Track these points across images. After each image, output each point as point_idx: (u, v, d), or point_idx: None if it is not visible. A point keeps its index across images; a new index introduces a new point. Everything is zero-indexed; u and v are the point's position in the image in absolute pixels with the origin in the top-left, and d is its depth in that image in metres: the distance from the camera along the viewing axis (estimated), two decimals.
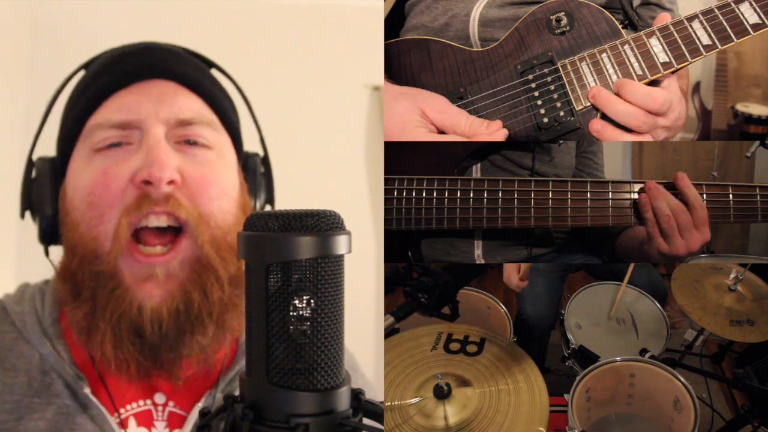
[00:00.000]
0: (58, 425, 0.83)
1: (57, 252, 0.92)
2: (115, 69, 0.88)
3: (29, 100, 1.98)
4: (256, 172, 0.98)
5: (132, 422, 0.87)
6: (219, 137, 0.91)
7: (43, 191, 0.89)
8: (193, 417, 0.88)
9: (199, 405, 0.88)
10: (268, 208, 1.00)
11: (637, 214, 1.01)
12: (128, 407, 0.87)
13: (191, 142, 0.87)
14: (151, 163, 0.82)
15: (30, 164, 0.92)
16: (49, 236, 0.90)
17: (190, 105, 0.88)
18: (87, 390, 0.85)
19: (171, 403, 0.89)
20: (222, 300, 0.86)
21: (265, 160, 1.01)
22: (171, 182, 0.82)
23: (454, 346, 1.31)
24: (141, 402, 0.88)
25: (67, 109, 0.91)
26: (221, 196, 0.87)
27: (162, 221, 0.83)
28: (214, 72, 0.97)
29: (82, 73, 0.93)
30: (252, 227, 0.56)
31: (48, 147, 0.94)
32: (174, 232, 0.84)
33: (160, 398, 0.89)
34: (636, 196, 1.01)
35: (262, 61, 2.17)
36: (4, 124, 1.92)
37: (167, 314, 0.83)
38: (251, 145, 1.02)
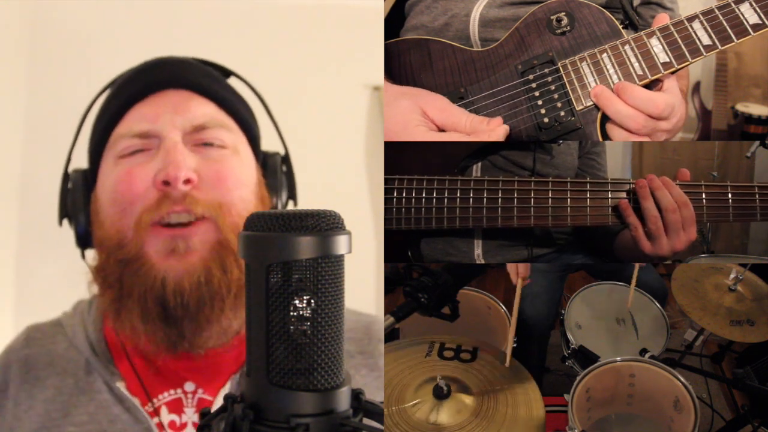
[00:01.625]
0: (98, 417, 0.91)
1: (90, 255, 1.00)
2: (133, 84, 0.96)
3: (28, 108, 1.98)
4: (276, 170, 1.03)
5: (164, 410, 0.94)
6: (234, 137, 0.97)
7: (77, 200, 0.98)
8: (220, 401, 0.94)
9: (225, 388, 0.95)
10: (290, 204, 1.05)
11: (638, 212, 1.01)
12: (160, 397, 0.94)
13: (207, 144, 0.94)
14: (168, 164, 0.89)
15: (66, 176, 1.00)
16: (84, 241, 0.98)
17: (203, 110, 0.95)
18: (119, 384, 0.93)
19: (200, 390, 0.96)
20: (240, 279, 0.91)
21: (286, 159, 1.07)
22: (188, 181, 0.89)
23: (448, 353, 1.31)
24: (172, 391, 0.95)
25: (95, 123, 1.00)
26: (240, 187, 0.94)
27: (182, 218, 0.89)
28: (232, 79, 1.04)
29: (108, 91, 1.01)
30: (252, 227, 0.56)
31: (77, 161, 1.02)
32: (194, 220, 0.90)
33: (189, 386, 0.95)
34: (635, 197, 1.01)
35: (262, 61, 2.17)
36: (4, 134, 1.92)
37: (188, 287, 0.88)
38: (274, 145, 1.06)
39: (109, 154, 0.95)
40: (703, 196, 1.00)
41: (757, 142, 1.64)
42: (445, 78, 1.07)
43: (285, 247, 0.54)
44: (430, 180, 1.08)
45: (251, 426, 0.54)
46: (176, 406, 0.94)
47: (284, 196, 1.04)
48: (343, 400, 0.56)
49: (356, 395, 0.58)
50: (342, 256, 0.56)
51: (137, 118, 0.93)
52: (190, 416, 0.94)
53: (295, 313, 0.54)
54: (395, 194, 1.08)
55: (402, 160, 1.10)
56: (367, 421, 0.58)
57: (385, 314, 0.99)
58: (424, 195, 1.07)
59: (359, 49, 1.97)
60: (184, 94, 0.94)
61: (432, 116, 1.02)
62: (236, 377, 0.96)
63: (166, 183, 0.88)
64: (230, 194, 0.92)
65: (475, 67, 1.07)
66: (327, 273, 0.55)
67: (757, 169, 2.09)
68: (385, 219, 1.09)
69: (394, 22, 1.20)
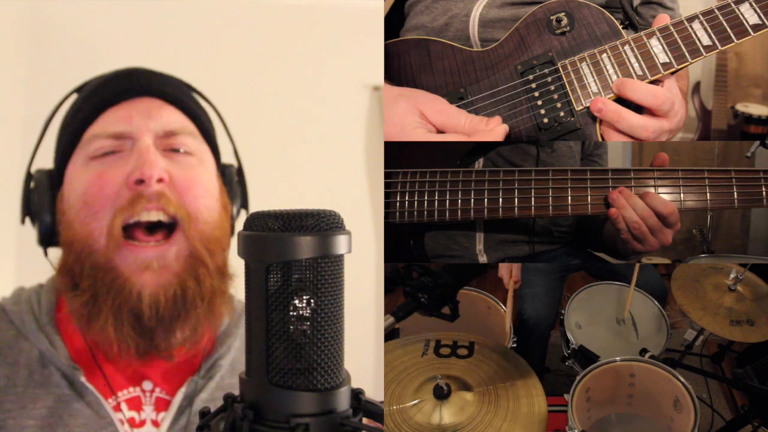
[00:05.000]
0: (58, 411, 0.92)
1: (54, 254, 1.00)
2: (108, 88, 0.99)
3: (28, 110, 1.98)
4: (232, 181, 1.08)
5: (123, 407, 0.95)
6: (199, 145, 1.01)
7: (43, 199, 0.99)
8: (177, 401, 0.97)
9: (182, 390, 0.97)
10: (243, 212, 1.10)
11: None
12: (119, 394, 0.96)
13: (175, 150, 0.97)
14: (142, 163, 0.92)
15: (29, 176, 1.02)
16: (47, 239, 1.00)
17: (174, 118, 0.99)
18: (83, 378, 0.93)
19: (158, 389, 0.98)
20: (212, 287, 0.95)
21: (240, 171, 1.11)
22: (160, 180, 0.92)
23: (445, 350, 1.31)
24: (131, 389, 0.97)
25: (64, 124, 1.02)
26: (205, 195, 0.98)
27: (153, 216, 0.91)
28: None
29: (74, 95, 1.03)
30: (252, 227, 0.56)
31: (42, 161, 1.03)
32: (166, 229, 0.93)
33: (147, 385, 0.98)
34: (636, 186, 1.01)
35: (262, 61, 2.17)
36: (4, 132, 1.92)
37: (164, 299, 0.91)
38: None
39: (80, 155, 0.97)
40: (707, 182, 1.00)
41: (757, 142, 1.63)
42: (444, 78, 1.08)
43: (285, 247, 0.54)
44: (432, 173, 1.08)
45: (251, 426, 0.54)
46: (136, 404, 0.96)
47: (238, 204, 1.09)
48: (342, 400, 0.56)
49: (356, 395, 0.58)
50: (342, 256, 0.56)
51: (112, 120, 0.96)
52: (149, 414, 0.96)
53: (294, 313, 0.55)
54: (399, 187, 1.09)
55: (404, 157, 1.10)
56: (366, 421, 0.58)
57: (385, 314, 0.99)
58: (426, 188, 1.08)
59: (359, 49, 1.97)
60: (156, 102, 0.99)
61: (430, 118, 1.02)
62: (194, 379, 0.98)
63: (140, 182, 0.91)
64: (197, 202, 0.95)
65: (474, 68, 1.07)
66: (327, 273, 0.55)
67: None
68: (388, 212, 1.09)
69: (394, 22, 1.20)
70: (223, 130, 1.10)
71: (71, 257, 0.94)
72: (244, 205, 1.10)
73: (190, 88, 1.07)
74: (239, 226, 1.06)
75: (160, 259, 0.92)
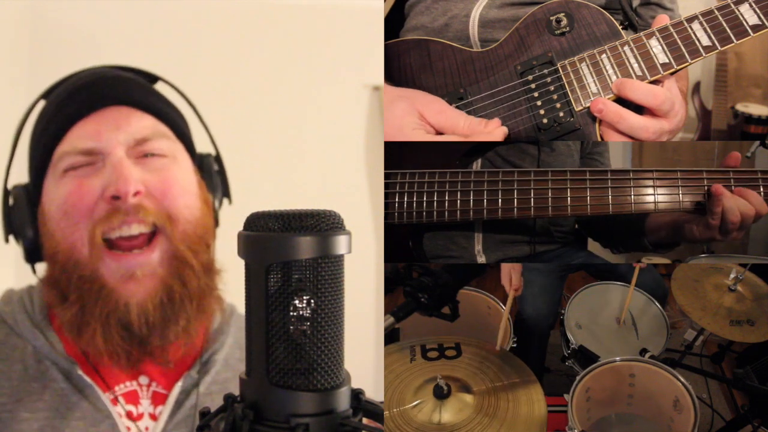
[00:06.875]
0: (55, 405, 0.92)
1: (42, 269, 1.00)
2: (74, 101, 0.97)
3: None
4: (211, 171, 1.07)
5: (121, 400, 0.96)
6: (172, 145, 1.00)
7: (23, 215, 0.98)
8: (174, 394, 0.98)
9: (179, 384, 0.99)
10: (225, 202, 1.09)
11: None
12: (116, 388, 0.96)
13: (147, 155, 0.96)
14: (116, 179, 0.91)
15: (6, 193, 1.01)
16: (33, 255, 0.99)
17: (144, 123, 0.97)
18: (80, 372, 0.94)
19: (154, 384, 0.99)
20: (199, 287, 0.96)
21: (218, 159, 1.10)
22: (137, 193, 0.91)
23: (432, 354, 1.31)
24: (128, 383, 0.97)
25: (34, 139, 1.00)
26: (183, 194, 0.97)
27: (133, 230, 0.92)
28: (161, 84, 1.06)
29: (42, 102, 1.01)
30: (252, 227, 0.56)
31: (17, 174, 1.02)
32: (148, 235, 0.93)
33: (144, 379, 0.98)
34: (635, 186, 1.02)
35: (262, 61, 2.17)
36: (3, 133, 1.92)
37: (152, 308, 0.92)
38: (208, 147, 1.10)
39: (54, 171, 0.96)
40: (705, 183, 1.00)
41: (757, 142, 1.64)
42: (444, 78, 1.08)
43: (285, 247, 0.54)
44: (431, 173, 1.08)
45: (251, 426, 0.54)
46: (132, 397, 0.97)
47: (220, 193, 1.07)
48: (342, 400, 0.56)
49: (356, 395, 0.58)
50: (342, 256, 0.57)
51: (80, 136, 0.94)
52: (146, 407, 0.97)
53: (294, 313, 0.55)
54: (397, 188, 1.09)
55: (404, 157, 1.10)
56: (366, 421, 0.58)
57: (385, 314, 1.00)
58: (425, 188, 1.08)
59: (359, 49, 1.97)
60: (124, 110, 0.97)
61: (429, 119, 1.02)
62: (190, 373, 0.99)
63: (116, 197, 0.90)
64: (176, 202, 0.95)
65: (474, 68, 1.07)
66: (327, 273, 0.55)
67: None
68: (387, 213, 1.09)
69: (394, 22, 1.20)
70: (196, 119, 1.08)
71: (57, 268, 0.94)
72: (226, 193, 1.09)
73: (154, 79, 1.05)
74: (223, 215, 1.08)
75: (143, 267, 0.92)
